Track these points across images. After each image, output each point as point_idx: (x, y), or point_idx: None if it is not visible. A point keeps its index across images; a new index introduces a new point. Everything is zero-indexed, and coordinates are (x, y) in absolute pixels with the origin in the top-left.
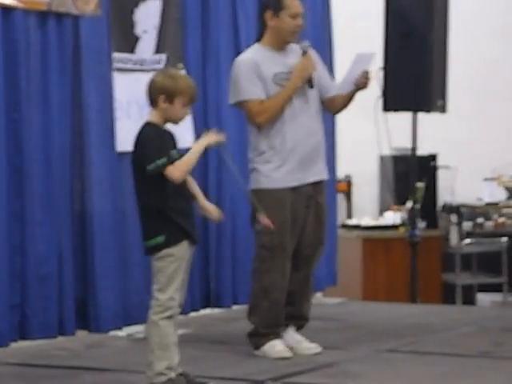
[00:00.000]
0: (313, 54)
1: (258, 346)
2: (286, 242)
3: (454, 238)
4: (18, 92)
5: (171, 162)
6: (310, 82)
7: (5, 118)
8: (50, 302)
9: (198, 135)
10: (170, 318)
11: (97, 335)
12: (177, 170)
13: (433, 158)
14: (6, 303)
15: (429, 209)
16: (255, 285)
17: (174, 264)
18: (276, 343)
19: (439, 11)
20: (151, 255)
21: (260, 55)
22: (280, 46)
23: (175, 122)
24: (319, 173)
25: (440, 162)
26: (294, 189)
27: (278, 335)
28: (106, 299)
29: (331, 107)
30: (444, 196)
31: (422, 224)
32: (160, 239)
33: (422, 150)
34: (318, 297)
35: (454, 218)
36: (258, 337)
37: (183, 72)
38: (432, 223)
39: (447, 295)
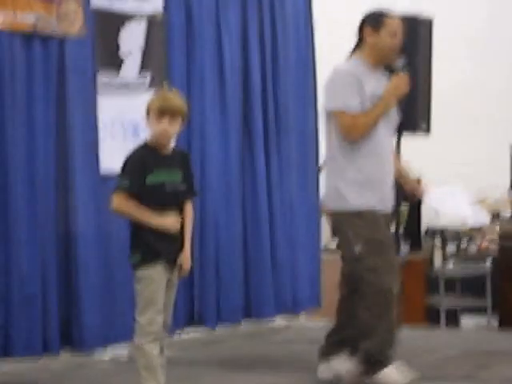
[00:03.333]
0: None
1: (372, 373)
2: (392, 258)
3: (438, 260)
4: (3, 113)
5: (121, 187)
6: (400, 104)
7: None
8: (33, 322)
9: None
10: (153, 341)
11: (81, 357)
12: (114, 202)
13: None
14: None
15: (413, 231)
16: (365, 312)
17: (151, 286)
18: (391, 370)
19: (423, 35)
20: (132, 270)
21: (361, 71)
22: (377, 63)
23: (159, 138)
24: (392, 203)
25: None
26: (381, 212)
27: (391, 360)
28: (91, 319)
29: None
30: (428, 219)
31: (405, 247)
32: (136, 258)
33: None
34: (301, 319)
35: (437, 240)
36: (372, 364)
37: (170, 90)
38: (416, 246)
39: (431, 318)
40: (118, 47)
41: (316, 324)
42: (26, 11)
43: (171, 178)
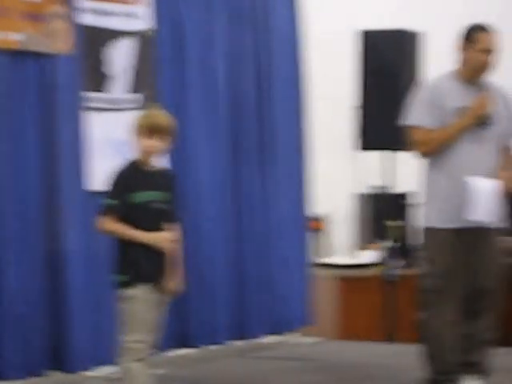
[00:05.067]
0: (497, 94)
1: None
2: (451, 284)
3: None
4: None
5: (108, 207)
6: (484, 123)
7: None
8: (22, 342)
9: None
10: (140, 360)
11: (70, 375)
12: (103, 224)
13: (407, 196)
14: None
15: (405, 247)
16: (422, 332)
17: (136, 306)
18: None
19: (412, 50)
20: (117, 289)
21: (448, 84)
22: (469, 79)
23: (145, 155)
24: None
25: (415, 200)
26: (456, 231)
27: (453, 382)
28: (80, 340)
29: None
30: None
31: (400, 263)
32: (123, 278)
33: (397, 189)
34: (294, 336)
35: None
36: (433, 383)
37: (158, 108)
38: (409, 262)
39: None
40: (106, 65)
41: (307, 341)
42: (15, 30)
43: (157, 196)
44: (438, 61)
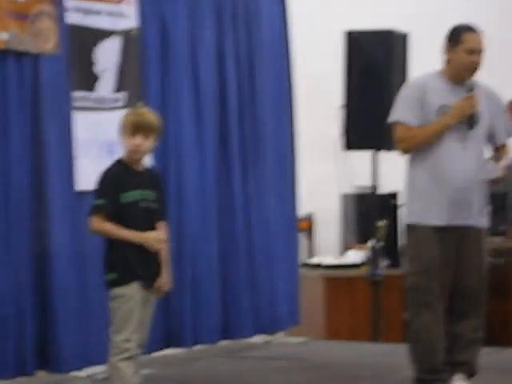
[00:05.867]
0: (483, 94)
1: None
2: (432, 282)
3: None
4: None
5: (98, 207)
6: (469, 123)
7: None
8: (8, 342)
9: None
10: (128, 359)
11: (57, 376)
12: (93, 223)
13: (393, 196)
14: None
15: (391, 247)
16: (409, 329)
17: (126, 305)
18: None
19: (399, 50)
20: (107, 289)
21: (432, 83)
22: (456, 79)
23: (132, 154)
24: (469, 219)
25: (401, 200)
26: (438, 228)
27: (441, 381)
28: (67, 339)
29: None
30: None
31: (385, 262)
32: (112, 276)
33: (383, 189)
34: (280, 336)
35: None
36: (421, 383)
37: (144, 107)
38: (394, 261)
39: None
40: (92, 64)
41: (294, 340)
42: (0, 29)
43: (145, 195)
44: (424, 61)
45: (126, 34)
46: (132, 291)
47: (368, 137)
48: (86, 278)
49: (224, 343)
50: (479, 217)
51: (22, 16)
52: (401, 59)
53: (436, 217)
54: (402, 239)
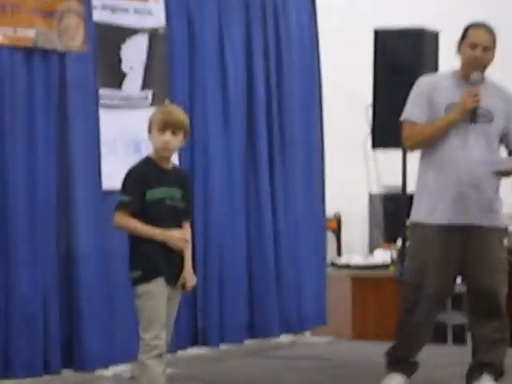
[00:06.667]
0: (496, 93)
1: (386, 371)
2: (428, 282)
3: None
4: (3, 129)
5: (123, 204)
6: (471, 117)
7: None
8: (34, 341)
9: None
10: (157, 356)
11: (82, 374)
12: (117, 219)
13: None
14: None
15: None
16: (399, 321)
17: (153, 301)
18: (394, 377)
19: (429, 48)
20: (132, 286)
21: (444, 81)
22: (464, 76)
23: (160, 151)
24: (472, 218)
25: None
26: (442, 227)
27: (402, 371)
28: (92, 338)
29: None
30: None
31: None
32: (136, 273)
33: (412, 188)
34: (306, 336)
35: None
36: (388, 362)
37: (172, 105)
38: None
39: (438, 335)
40: (119, 62)
41: (321, 340)
42: (27, 26)
43: (171, 194)
44: (456, 60)
45: (153, 32)
46: (157, 288)
47: (397, 136)
48: (112, 277)
49: (250, 342)
50: (488, 215)
51: (49, 13)
52: (431, 58)
53: (439, 215)
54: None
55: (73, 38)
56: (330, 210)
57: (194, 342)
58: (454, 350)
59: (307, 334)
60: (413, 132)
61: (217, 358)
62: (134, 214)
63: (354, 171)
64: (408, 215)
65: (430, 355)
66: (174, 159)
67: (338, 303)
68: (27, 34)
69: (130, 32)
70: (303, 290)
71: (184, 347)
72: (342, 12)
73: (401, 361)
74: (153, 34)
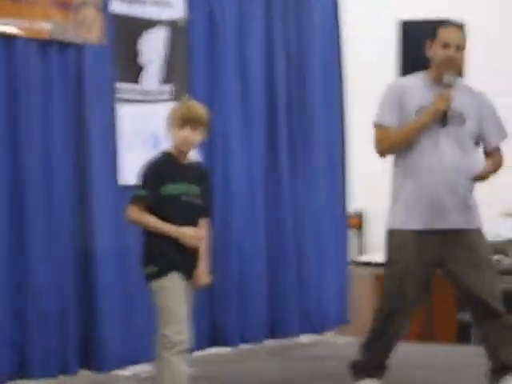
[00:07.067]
0: (469, 95)
1: (355, 379)
2: (408, 288)
3: None
4: (19, 123)
5: (137, 198)
6: (442, 121)
7: (4, 149)
8: (51, 340)
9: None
10: (180, 353)
11: (100, 375)
12: (131, 213)
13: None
14: (6, 341)
15: None
16: (374, 324)
17: (171, 296)
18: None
19: None
20: (146, 281)
21: (414, 83)
22: (436, 77)
23: (180, 146)
24: (450, 222)
25: None
26: (422, 233)
27: (378, 375)
28: (110, 338)
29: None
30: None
31: None
32: (151, 269)
33: None
34: (329, 335)
35: None
36: (357, 371)
37: (192, 99)
38: None
39: (463, 334)
40: (138, 55)
41: (343, 340)
42: (43, 18)
43: (189, 190)
44: (483, 52)
45: (173, 24)
46: (173, 282)
47: None
48: (130, 275)
49: (271, 342)
50: (465, 217)
51: (66, 5)
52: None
53: (416, 221)
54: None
55: (90, 30)
56: (353, 207)
57: (214, 342)
58: (478, 350)
59: (329, 333)
60: (384, 136)
61: (236, 358)
62: (149, 209)
63: (377, 167)
64: None
65: (453, 355)
66: (194, 153)
67: (360, 302)
68: (43, 27)
69: (149, 24)
70: (325, 289)
71: (203, 347)
72: (366, 3)
73: (376, 366)
74: (172, 26)
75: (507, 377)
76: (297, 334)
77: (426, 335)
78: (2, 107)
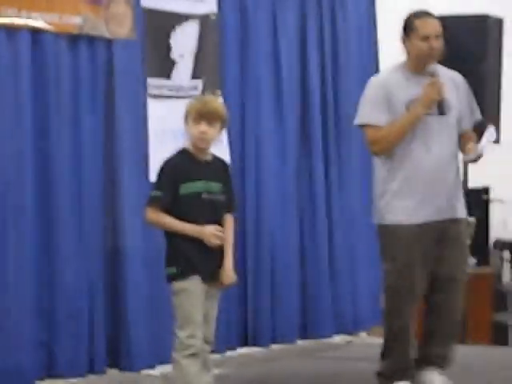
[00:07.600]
0: (448, 79)
1: None
2: (414, 282)
3: (506, 275)
4: (48, 119)
5: (153, 199)
6: (440, 109)
7: (33, 146)
8: (79, 339)
9: (234, 162)
10: (192, 356)
11: (128, 374)
12: (149, 215)
13: (485, 191)
14: (34, 340)
15: (480, 245)
16: (385, 328)
17: (189, 299)
18: None
19: (492, 35)
20: (167, 282)
21: (395, 78)
22: (418, 69)
23: (196, 142)
24: (445, 211)
25: (493, 195)
26: (420, 226)
27: (405, 377)
28: (138, 337)
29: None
30: (496, 231)
31: (472, 261)
32: (172, 270)
33: (474, 183)
34: (362, 336)
35: (506, 254)
36: (386, 377)
37: (210, 95)
38: (483, 260)
39: (498, 336)
40: (169, 50)
41: (376, 341)
42: (73, 13)
43: (208, 187)
44: None
45: (204, 19)
46: (192, 285)
47: None
48: (159, 274)
49: (303, 343)
50: (455, 206)
51: (96, 0)
52: (495, 45)
53: (413, 215)
54: (491, 236)
55: (120, 25)
56: None
57: (244, 343)
58: None
59: (363, 334)
60: (378, 136)
61: (268, 358)
62: (166, 209)
63: None
64: (469, 211)
65: (490, 357)
66: (225, 151)
67: None
68: (73, 21)
69: (180, 19)
70: (358, 289)
71: (234, 347)
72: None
73: (401, 369)
74: (204, 21)
75: (427, 368)
76: (329, 335)
77: (460, 336)
78: (31, 102)
